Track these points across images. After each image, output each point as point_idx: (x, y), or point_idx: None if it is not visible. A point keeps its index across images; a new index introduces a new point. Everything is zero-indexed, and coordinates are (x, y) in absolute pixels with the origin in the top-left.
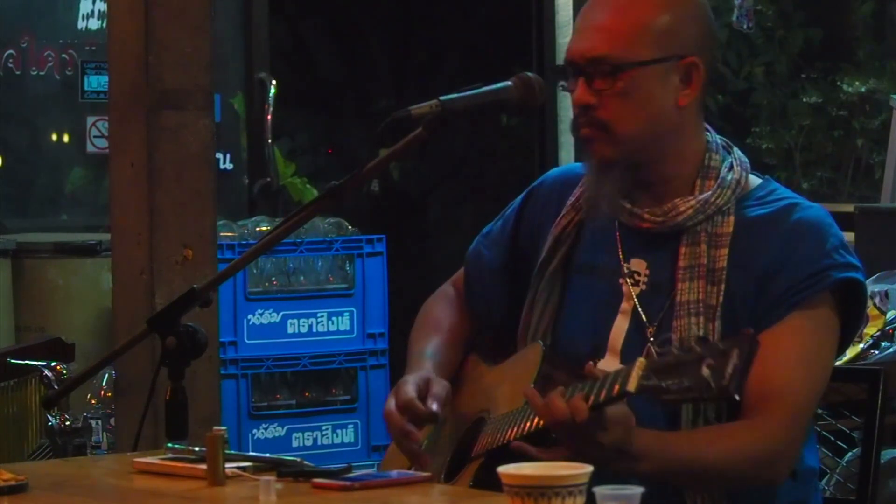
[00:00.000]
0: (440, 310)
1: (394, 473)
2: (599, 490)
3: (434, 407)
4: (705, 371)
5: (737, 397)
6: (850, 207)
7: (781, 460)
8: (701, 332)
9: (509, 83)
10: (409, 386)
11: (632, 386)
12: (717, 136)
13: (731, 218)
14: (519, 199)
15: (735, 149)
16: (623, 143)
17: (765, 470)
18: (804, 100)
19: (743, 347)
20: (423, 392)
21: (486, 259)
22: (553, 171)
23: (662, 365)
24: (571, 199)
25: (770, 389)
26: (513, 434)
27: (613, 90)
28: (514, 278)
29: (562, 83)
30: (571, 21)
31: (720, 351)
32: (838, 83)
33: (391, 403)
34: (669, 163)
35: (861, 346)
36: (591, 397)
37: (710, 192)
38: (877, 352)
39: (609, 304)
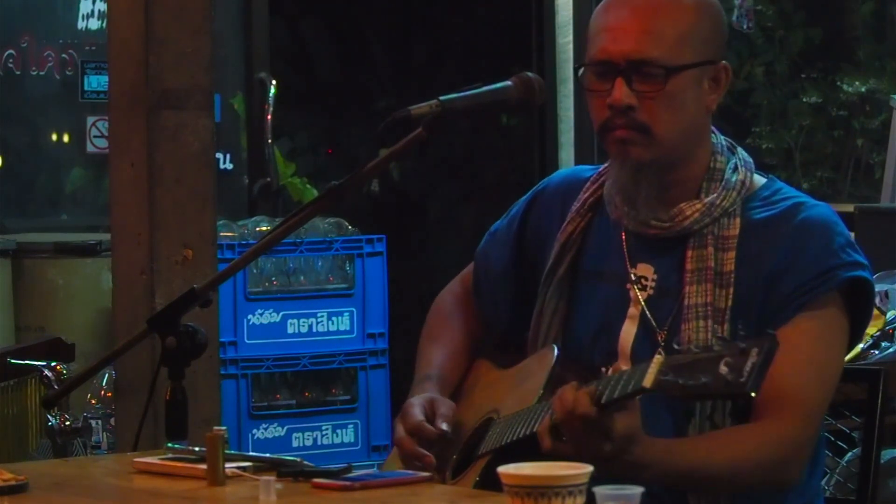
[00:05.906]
0: (449, 312)
1: (394, 473)
2: (599, 490)
3: (444, 427)
4: (723, 368)
5: (753, 395)
6: (850, 207)
7: (793, 462)
8: (710, 335)
9: (509, 83)
10: (416, 409)
11: (648, 382)
12: (722, 137)
13: (738, 220)
14: (523, 200)
15: (739, 149)
16: (660, 145)
17: (776, 473)
18: (804, 100)
19: (763, 346)
20: (430, 413)
21: (492, 259)
22: (557, 175)
23: (681, 362)
24: (576, 204)
25: (779, 391)
26: (521, 432)
27: (658, 93)
28: (520, 280)
29: (590, 84)
30: (571, 21)
31: (740, 349)
32: (838, 83)
33: (400, 430)
34: (683, 167)
35: (861, 346)
36: (605, 394)
37: (715, 195)
38: (877, 352)
39: (617, 309)
